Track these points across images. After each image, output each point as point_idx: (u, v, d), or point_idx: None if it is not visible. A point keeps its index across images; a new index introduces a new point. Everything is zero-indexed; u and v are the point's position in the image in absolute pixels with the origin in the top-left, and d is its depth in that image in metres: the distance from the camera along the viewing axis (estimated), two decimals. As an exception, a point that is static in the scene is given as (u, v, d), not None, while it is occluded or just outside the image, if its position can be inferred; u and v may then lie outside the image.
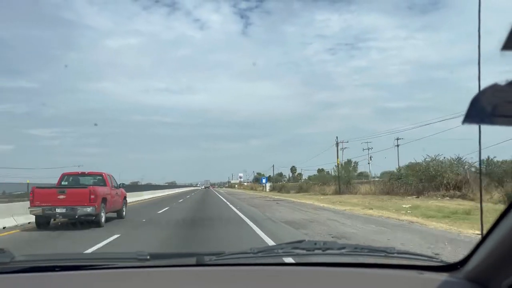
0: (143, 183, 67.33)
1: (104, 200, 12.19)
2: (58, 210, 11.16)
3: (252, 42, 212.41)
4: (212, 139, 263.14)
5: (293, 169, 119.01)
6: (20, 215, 12.61)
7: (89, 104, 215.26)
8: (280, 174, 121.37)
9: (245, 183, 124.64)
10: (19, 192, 18.21)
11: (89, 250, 7.58)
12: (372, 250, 1.61)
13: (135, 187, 39.30)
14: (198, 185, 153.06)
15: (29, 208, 11.41)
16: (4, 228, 11.59)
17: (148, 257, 1.51)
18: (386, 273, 1.50)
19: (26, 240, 9.73)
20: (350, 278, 1.46)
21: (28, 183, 18.91)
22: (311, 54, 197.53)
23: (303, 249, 1.58)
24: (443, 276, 1.35)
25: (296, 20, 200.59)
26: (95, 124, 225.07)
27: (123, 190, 15.13)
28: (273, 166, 68.26)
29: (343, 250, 1.57)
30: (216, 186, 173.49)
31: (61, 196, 11.27)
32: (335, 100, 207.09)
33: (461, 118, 0.86)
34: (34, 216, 11.59)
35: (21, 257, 1.53)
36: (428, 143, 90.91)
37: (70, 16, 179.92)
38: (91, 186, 11.97)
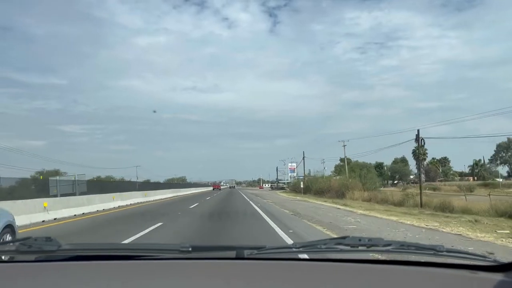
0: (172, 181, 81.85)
1: (219, 187, 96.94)
2: (215, 189, 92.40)
3: (280, 40, 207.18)
4: (237, 138, 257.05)
5: (443, 162, 73.32)
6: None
7: (117, 102, 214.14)
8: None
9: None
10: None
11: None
12: (420, 248, 1.50)
13: (172, 184, 55.91)
14: (222, 184, 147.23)
15: (212, 188, 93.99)
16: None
17: (190, 249, 1.52)
18: (435, 271, 1.38)
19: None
20: (397, 275, 1.36)
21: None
22: (340, 53, 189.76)
23: (347, 245, 1.49)
24: (498, 276, 1.25)
25: (325, 18, 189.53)
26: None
27: (220, 185, 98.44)
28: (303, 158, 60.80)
29: (389, 247, 1.47)
30: (247, 185, 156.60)
31: (216, 186, 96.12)
32: (363, 100, 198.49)
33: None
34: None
35: (67, 246, 1.57)
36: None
37: (102, 14, 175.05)
38: (219, 184, 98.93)
